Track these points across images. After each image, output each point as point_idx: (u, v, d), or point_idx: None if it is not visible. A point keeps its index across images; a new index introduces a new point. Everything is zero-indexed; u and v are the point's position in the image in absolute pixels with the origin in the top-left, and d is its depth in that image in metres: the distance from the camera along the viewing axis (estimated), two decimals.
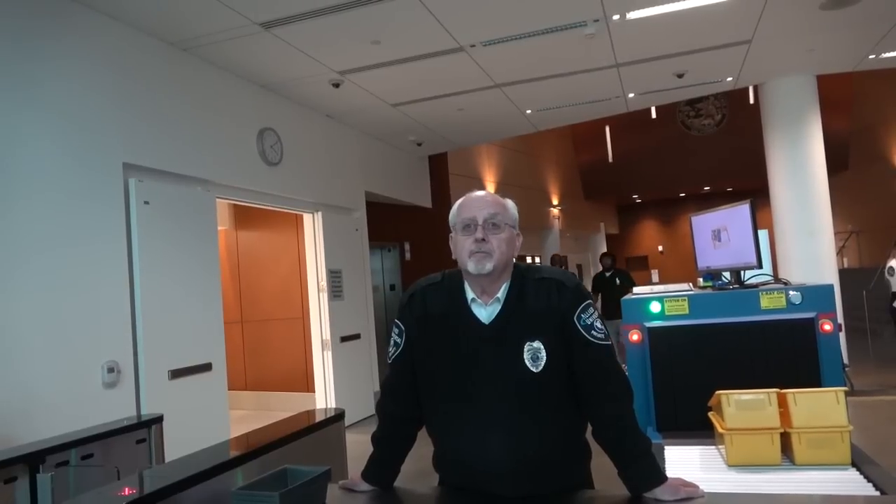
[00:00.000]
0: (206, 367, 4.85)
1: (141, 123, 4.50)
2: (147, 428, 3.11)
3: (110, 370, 4.04)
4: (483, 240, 1.62)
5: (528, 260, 14.41)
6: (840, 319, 4.12)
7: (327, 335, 6.74)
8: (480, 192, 1.73)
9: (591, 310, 1.66)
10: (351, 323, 7.13)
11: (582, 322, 1.63)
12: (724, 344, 2.83)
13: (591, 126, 14.88)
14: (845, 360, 6.20)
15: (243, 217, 7.96)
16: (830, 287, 2.86)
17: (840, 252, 12.46)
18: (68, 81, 4.00)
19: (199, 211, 4.99)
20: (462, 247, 1.65)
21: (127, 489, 1.83)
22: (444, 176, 10.11)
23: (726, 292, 3.03)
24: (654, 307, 2.97)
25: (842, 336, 5.17)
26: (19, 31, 3.73)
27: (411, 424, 1.80)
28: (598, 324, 1.65)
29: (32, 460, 2.45)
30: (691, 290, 3.19)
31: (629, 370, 2.94)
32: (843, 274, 7.57)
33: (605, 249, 21.02)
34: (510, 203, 1.73)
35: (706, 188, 19.54)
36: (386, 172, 8.41)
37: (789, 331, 2.76)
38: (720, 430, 2.21)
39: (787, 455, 2.15)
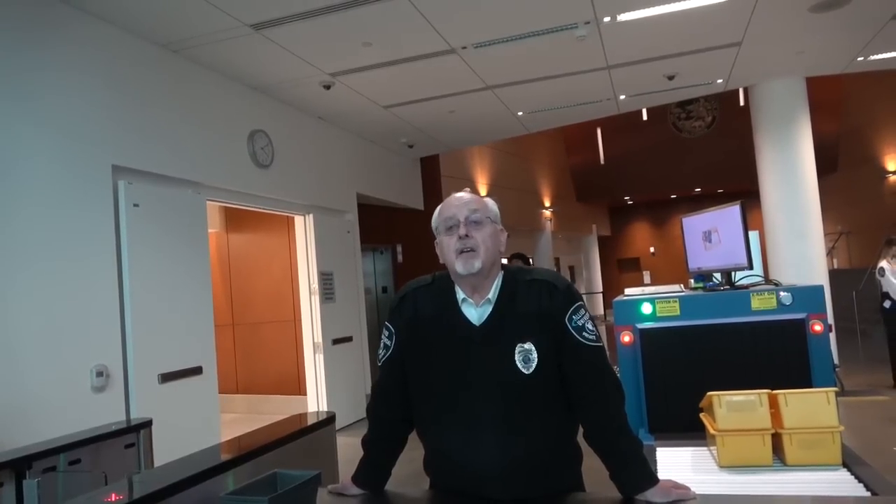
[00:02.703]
0: (197, 371, 4.82)
1: (130, 125, 4.47)
2: (136, 432, 3.08)
3: (99, 374, 4.00)
4: (467, 235, 1.63)
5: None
6: (830, 320, 4.14)
7: (319, 338, 6.72)
8: (459, 193, 1.74)
9: (582, 311, 1.65)
10: (343, 325, 7.11)
11: (573, 324, 1.62)
12: (715, 345, 2.83)
13: (583, 128, 14.94)
14: (835, 361, 6.24)
15: (234, 219, 7.93)
16: (821, 288, 2.86)
17: (830, 253, 12.55)
18: (57, 83, 3.97)
19: (189, 213, 4.96)
20: (448, 247, 1.65)
21: (114, 495, 1.81)
22: (435, 178, 10.10)
23: (717, 293, 3.03)
24: (646, 308, 2.97)
25: (832, 337, 5.20)
26: (6, 32, 3.70)
27: (402, 427, 1.79)
28: (589, 325, 1.65)
29: (19, 466, 2.42)
30: (682, 292, 3.19)
31: (620, 372, 2.93)
32: (833, 275, 7.63)
33: (597, 250, 21.07)
34: (489, 200, 1.74)
35: (697, 190, 19.63)
36: (377, 174, 8.40)
37: (780, 331, 2.76)
38: (711, 431, 2.21)
39: (779, 456, 2.15)
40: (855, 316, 9.86)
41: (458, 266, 1.62)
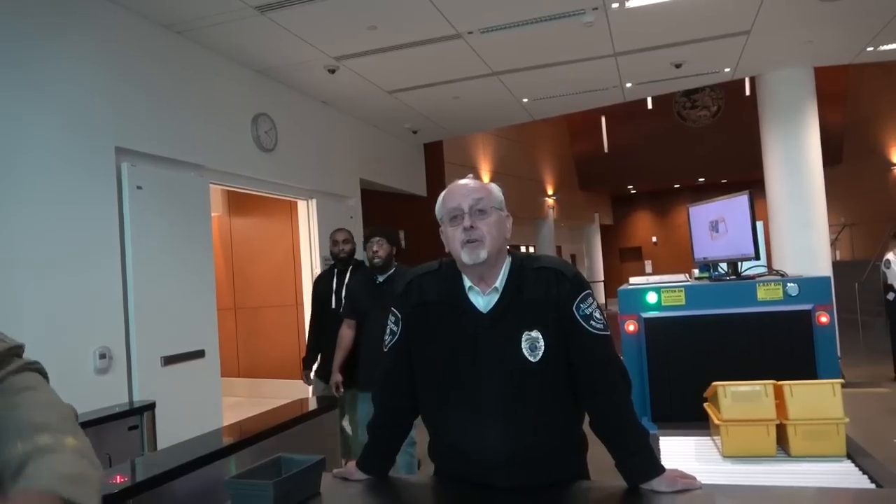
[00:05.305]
0: (199, 354, 4.82)
1: (134, 107, 4.44)
2: (139, 415, 3.10)
3: (102, 356, 4.00)
4: (472, 227, 1.60)
5: (523, 250, 14.40)
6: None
7: None
8: (462, 181, 1.71)
9: (590, 300, 1.64)
10: None
11: (581, 312, 1.61)
12: (721, 335, 2.83)
13: (587, 116, 14.86)
14: (838, 352, 6.23)
15: (237, 203, 7.91)
16: (827, 279, 2.86)
17: (833, 245, 12.52)
18: (60, 64, 3.93)
19: (192, 196, 4.94)
20: (453, 238, 1.64)
21: (118, 477, 1.81)
22: (439, 164, 10.07)
23: (723, 283, 3.02)
24: (651, 298, 2.96)
25: None
26: (9, 11, 3.66)
27: (407, 414, 1.78)
28: (597, 314, 1.64)
29: None
30: (688, 281, 3.18)
31: (625, 361, 2.93)
32: (835, 266, 7.61)
33: (599, 239, 21.00)
34: (494, 186, 1.71)
35: (701, 180, 19.57)
36: (381, 160, 8.37)
37: (786, 322, 2.75)
38: (716, 421, 2.20)
39: (783, 447, 2.15)
40: (857, 307, 9.87)
41: (465, 257, 1.61)
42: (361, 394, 3.76)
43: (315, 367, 4.45)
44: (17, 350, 0.90)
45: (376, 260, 3.78)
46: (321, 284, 4.49)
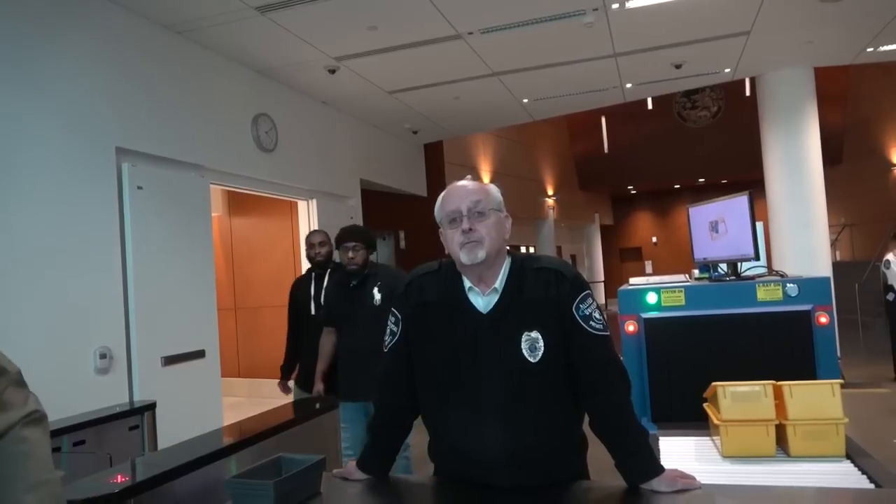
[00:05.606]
0: (200, 354, 4.82)
1: (134, 107, 4.44)
2: (140, 414, 3.10)
3: (102, 356, 4.01)
4: (470, 230, 1.61)
5: (523, 250, 14.41)
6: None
7: None
8: (461, 182, 1.71)
9: (589, 300, 1.65)
10: None
11: (581, 313, 1.62)
12: (720, 335, 2.83)
13: (587, 116, 14.88)
14: (837, 353, 6.22)
15: (237, 203, 7.92)
16: (827, 280, 2.86)
17: (833, 245, 12.52)
18: (60, 64, 3.93)
19: (193, 196, 4.94)
20: (452, 240, 1.64)
21: (119, 476, 1.82)
22: (439, 164, 10.07)
23: (723, 284, 3.02)
24: (651, 298, 2.96)
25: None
26: (9, 11, 3.66)
27: (407, 414, 1.79)
28: (596, 314, 1.64)
29: None
30: (688, 282, 3.18)
31: (625, 361, 2.93)
32: (835, 267, 7.61)
33: (599, 239, 21.00)
34: (492, 187, 1.71)
35: (701, 180, 19.58)
36: (381, 160, 8.37)
37: (785, 323, 2.75)
38: (716, 421, 2.21)
39: (782, 447, 2.15)
40: (857, 308, 9.87)
41: (463, 257, 1.61)
42: (343, 403, 3.37)
43: (294, 375, 4.31)
44: (16, 377, 0.89)
45: (352, 266, 3.55)
46: (299, 290, 4.27)
